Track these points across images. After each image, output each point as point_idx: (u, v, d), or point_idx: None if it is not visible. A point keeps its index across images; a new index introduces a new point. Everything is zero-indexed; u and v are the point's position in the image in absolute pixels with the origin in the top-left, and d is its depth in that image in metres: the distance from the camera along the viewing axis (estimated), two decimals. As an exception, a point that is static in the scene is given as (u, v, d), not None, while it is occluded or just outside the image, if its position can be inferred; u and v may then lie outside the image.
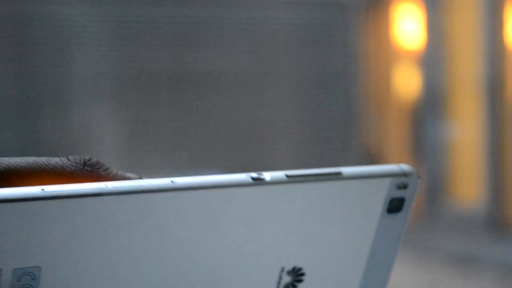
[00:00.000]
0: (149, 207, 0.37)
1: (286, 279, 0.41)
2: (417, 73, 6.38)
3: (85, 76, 6.91)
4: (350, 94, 7.22)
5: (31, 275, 0.36)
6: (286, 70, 7.22)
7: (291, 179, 0.40)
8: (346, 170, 0.42)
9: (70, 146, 6.57)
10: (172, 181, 0.38)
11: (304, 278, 0.41)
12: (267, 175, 0.39)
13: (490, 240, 5.23)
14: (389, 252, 0.44)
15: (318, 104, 7.25)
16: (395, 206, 0.43)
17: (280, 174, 0.40)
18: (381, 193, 0.42)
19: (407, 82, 6.55)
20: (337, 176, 0.41)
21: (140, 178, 0.41)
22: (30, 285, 0.36)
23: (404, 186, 0.43)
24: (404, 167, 0.43)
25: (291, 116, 7.20)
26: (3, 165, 0.40)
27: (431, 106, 6.06)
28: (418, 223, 6.14)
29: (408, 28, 6.51)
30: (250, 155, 6.92)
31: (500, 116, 5.33)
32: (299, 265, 0.41)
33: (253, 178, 0.39)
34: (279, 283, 0.41)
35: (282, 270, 0.41)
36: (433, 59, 6.04)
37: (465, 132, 5.72)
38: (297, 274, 0.41)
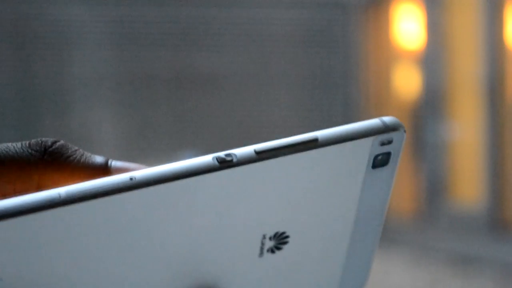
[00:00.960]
0: (109, 210, 0.35)
1: (269, 244, 0.39)
2: (417, 73, 6.37)
3: (85, 76, 6.91)
4: (350, 94, 7.22)
5: None
6: (286, 70, 7.22)
7: (261, 156, 0.37)
8: (322, 135, 0.39)
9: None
10: (131, 178, 0.35)
11: (289, 240, 0.40)
12: (235, 155, 0.37)
13: (490, 240, 5.22)
14: (378, 206, 0.42)
15: (318, 104, 7.25)
16: (380, 161, 0.41)
17: (249, 151, 0.37)
18: (363, 153, 0.40)
19: (407, 82, 6.55)
20: (313, 144, 0.39)
21: (106, 161, 0.39)
22: None
23: (388, 142, 0.40)
24: (387, 121, 0.41)
25: (291, 116, 7.20)
26: None
27: (431, 106, 6.06)
28: (418, 223, 6.14)
29: (408, 28, 6.51)
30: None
31: (500, 116, 5.33)
32: (281, 230, 0.39)
33: (219, 161, 0.36)
34: (261, 249, 0.39)
35: (264, 237, 0.39)
36: (433, 59, 6.04)
37: (465, 132, 5.72)
38: (280, 238, 0.40)
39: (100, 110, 6.91)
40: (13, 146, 0.39)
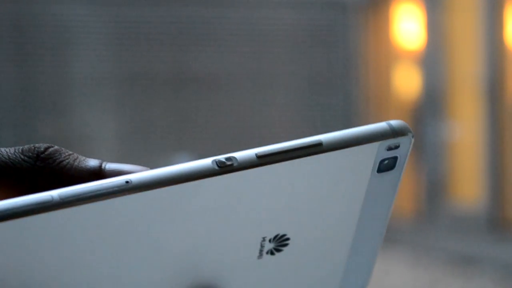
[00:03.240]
0: (103, 214, 0.34)
1: (269, 246, 0.39)
2: (417, 73, 6.37)
3: (85, 76, 6.91)
4: (350, 94, 7.22)
5: None
6: (286, 70, 7.22)
7: (263, 160, 0.36)
8: (327, 139, 0.38)
9: (70, 146, 6.57)
10: (127, 181, 0.34)
11: (289, 242, 0.39)
12: (236, 159, 0.36)
13: (490, 240, 5.22)
14: (382, 210, 0.41)
15: (318, 104, 7.25)
16: (386, 165, 0.40)
17: (250, 155, 0.36)
18: (369, 158, 0.39)
19: (407, 82, 6.55)
20: (317, 148, 0.38)
21: (100, 164, 0.39)
22: None
23: (395, 147, 0.39)
24: (395, 125, 0.39)
25: (291, 116, 7.20)
26: None
27: (431, 106, 6.06)
28: (418, 223, 6.14)
29: (408, 28, 6.51)
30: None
31: (500, 116, 5.33)
32: (282, 232, 0.39)
33: (219, 165, 0.36)
34: (261, 251, 0.39)
35: (264, 239, 0.39)
36: (433, 59, 6.04)
37: (465, 132, 5.72)
38: (280, 240, 0.39)
39: (99, 110, 6.91)
40: (6, 151, 0.38)
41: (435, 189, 5.94)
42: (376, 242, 0.42)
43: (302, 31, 7.21)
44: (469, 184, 5.73)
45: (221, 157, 0.36)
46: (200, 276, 0.38)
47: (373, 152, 0.39)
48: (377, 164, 0.39)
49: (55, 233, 0.34)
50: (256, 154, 0.36)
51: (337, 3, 7.21)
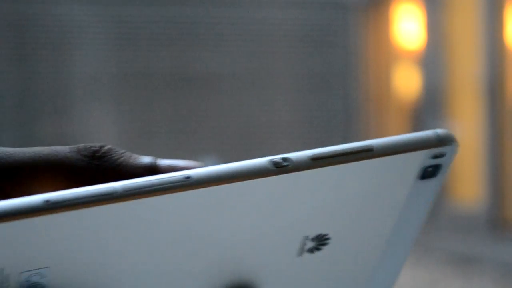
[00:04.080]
0: (162, 208, 0.36)
1: (310, 244, 0.40)
2: (417, 73, 6.37)
3: (85, 75, 6.91)
4: (350, 94, 7.22)
5: (40, 275, 0.35)
6: (286, 70, 7.22)
7: (316, 163, 0.37)
8: (377, 144, 0.39)
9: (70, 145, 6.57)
10: (187, 177, 0.36)
11: (329, 241, 0.40)
12: (291, 160, 0.37)
13: (490, 240, 5.22)
14: (417, 215, 0.43)
15: (318, 104, 7.25)
16: (429, 173, 0.41)
17: (304, 156, 0.37)
18: (414, 165, 0.40)
19: (407, 82, 6.55)
20: (368, 153, 0.39)
21: (154, 161, 0.40)
22: (39, 282, 0.35)
23: (441, 155, 0.40)
24: (441, 134, 0.40)
25: (291, 116, 7.20)
26: (8, 160, 0.38)
27: (431, 106, 6.06)
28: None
29: (408, 28, 6.51)
30: (250, 155, 6.92)
31: (500, 116, 5.33)
32: (324, 232, 0.40)
33: (276, 165, 0.37)
34: (301, 249, 0.40)
35: (306, 238, 0.40)
36: (433, 59, 6.04)
37: (465, 132, 5.72)
38: (321, 239, 0.40)
39: (100, 110, 6.92)
40: (62, 150, 0.39)
41: (435, 189, 5.94)
42: (407, 247, 0.44)
43: (302, 31, 7.21)
44: (469, 184, 5.74)
45: (277, 158, 0.37)
46: (238, 272, 0.39)
47: (419, 159, 0.40)
48: (421, 171, 0.41)
49: (114, 224, 0.35)
50: (310, 156, 0.37)
51: (337, 3, 7.21)
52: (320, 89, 7.26)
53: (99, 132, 6.85)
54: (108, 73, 6.95)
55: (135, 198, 0.35)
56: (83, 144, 0.39)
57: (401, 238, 0.43)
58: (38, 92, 6.87)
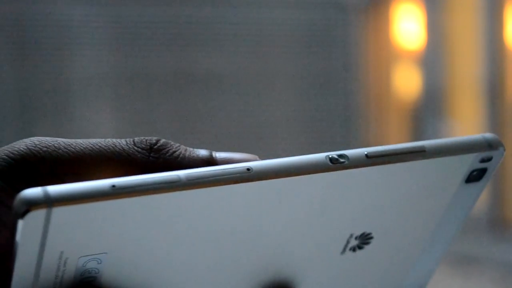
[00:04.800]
0: (222, 198, 0.36)
1: (354, 242, 0.41)
2: (417, 73, 6.37)
3: (85, 76, 6.91)
4: (350, 94, 7.22)
5: (97, 260, 0.36)
6: (286, 70, 7.22)
7: (371, 161, 0.38)
8: (429, 145, 0.40)
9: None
10: (248, 169, 0.36)
11: (372, 241, 0.41)
12: (347, 157, 0.37)
13: (490, 240, 5.22)
14: (459, 218, 0.43)
15: (318, 104, 7.25)
16: (475, 176, 0.42)
17: (360, 154, 0.38)
18: (463, 167, 0.41)
19: (407, 82, 6.55)
20: (421, 154, 0.39)
21: (211, 154, 0.40)
22: (95, 268, 0.36)
23: (488, 159, 0.41)
24: (490, 138, 0.41)
25: (291, 116, 7.20)
26: (67, 152, 0.39)
27: (431, 106, 6.06)
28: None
29: (408, 28, 6.51)
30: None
31: (500, 116, 5.33)
32: (368, 231, 0.41)
33: (332, 162, 0.37)
34: (345, 246, 0.41)
35: (351, 236, 0.40)
36: (433, 59, 6.04)
37: (465, 132, 5.71)
38: (365, 238, 0.41)
39: (100, 110, 6.92)
40: (118, 142, 0.40)
41: (435, 189, 5.94)
42: (444, 247, 0.45)
43: (302, 31, 7.21)
44: (469, 184, 5.73)
45: (334, 154, 0.37)
46: (282, 266, 0.39)
47: (467, 162, 0.41)
48: (467, 174, 0.41)
49: (175, 213, 0.36)
50: (366, 154, 0.38)
51: (337, 3, 7.21)
52: (320, 89, 7.25)
53: (99, 132, 6.85)
54: (108, 73, 6.95)
55: (197, 187, 0.35)
56: (138, 138, 0.40)
57: (440, 238, 0.44)
58: (38, 92, 6.87)
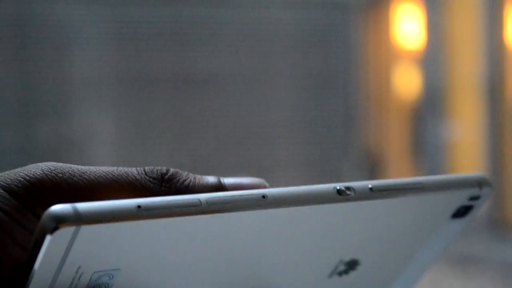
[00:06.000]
0: (236, 224, 0.37)
1: (341, 267, 0.42)
2: (417, 73, 6.37)
3: (84, 76, 6.91)
4: (350, 94, 7.22)
5: (109, 276, 0.36)
6: (286, 70, 7.22)
7: (375, 194, 0.39)
8: (426, 181, 0.41)
9: (70, 146, 6.58)
10: (263, 196, 0.37)
11: (358, 267, 0.42)
12: (354, 189, 0.39)
13: (490, 240, 5.22)
14: (437, 251, 0.45)
15: (318, 104, 7.25)
16: (461, 213, 0.43)
17: (365, 187, 0.39)
18: (453, 204, 0.43)
19: (407, 82, 6.55)
20: (419, 189, 0.41)
21: (219, 180, 0.41)
22: (106, 283, 0.37)
23: (476, 198, 0.43)
24: (481, 178, 0.43)
25: (291, 116, 7.20)
26: (82, 180, 0.39)
27: (431, 106, 6.06)
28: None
29: (408, 28, 6.51)
30: (249, 155, 6.93)
31: (500, 116, 5.33)
32: (356, 257, 0.42)
33: (340, 193, 0.38)
34: (333, 271, 0.42)
35: (340, 261, 0.41)
36: (433, 59, 6.04)
37: (465, 132, 5.72)
38: (352, 264, 0.42)
39: (99, 110, 6.92)
40: (131, 171, 0.40)
41: (435, 189, 5.94)
42: (418, 276, 0.47)
43: (302, 31, 7.21)
44: (469, 184, 5.73)
45: (342, 186, 0.39)
46: (274, 285, 0.41)
47: (457, 199, 0.43)
48: (455, 210, 0.43)
49: (192, 235, 0.37)
50: (370, 188, 0.39)
51: (337, 3, 7.21)
52: (320, 89, 7.26)
53: (99, 132, 6.85)
54: (108, 73, 6.95)
55: (216, 212, 0.36)
56: (149, 168, 0.41)
57: (416, 268, 0.46)
58: (37, 92, 6.87)
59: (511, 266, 4.69)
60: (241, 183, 0.41)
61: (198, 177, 0.41)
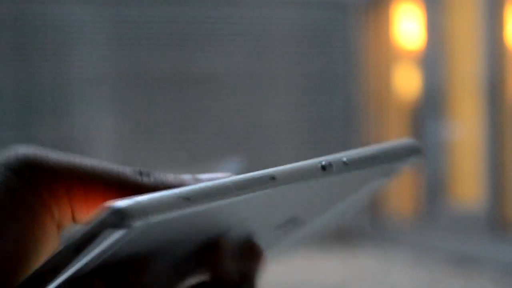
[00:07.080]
0: (250, 204, 0.38)
1: (289, 225, 0.44)
2: (417, 73, 6.37)
3: (84, 75, 6.91)
4: (350, 94, 7.22)
5: None
6: (286, 70, 7.22)
7: (350, 167, 0.41)
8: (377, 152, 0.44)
9: (70, 145, 6.57)
10: (272, 177, 0.38)
11: (299, 225, 0.45)
12: (331, 164, 0.40)
13: (490, 240, 5.22)
14: (358, 203, 0.47)
15: (318, 104, 7.25)
16: (389, 174, 0.46)
17: (339, 160, 0.41)
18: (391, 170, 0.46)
19: (407, 82, 6.55)
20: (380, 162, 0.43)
21: (196, 177, 0.42)
22: None
23: (407, 164, 0.45)
24: (414, 146, 0.46)
25: (291, 116, 7.20)
26: (88, 175, 0.41)
27: (431, 106, 6.06)
28: (418, 223, 6.14)
29: (408, 28, 6.51)
30: (249, 155, 6.92)
31: (500, 116, 5.33)
32: (302, 216, 0.44)
33: (323, 168, 0.40)
34: (279, 226, 0.44)
35: (289, 220, 0.44)
36: (433, 59, 6.04)
37: (465, 132, 5.72)
38: (296, 222, 0.44)
39: (99, 110, 6.92)
40: (122, 170, 0.42)
41: (435, 189, 5.95)
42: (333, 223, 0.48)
43: (302, 31, 7.21)
44: (469, 184, 5.74)
45: (323, 161, 0.40)
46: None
47: (396, 167, 0.45)
48: (387, 175, 0.46)
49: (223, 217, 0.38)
50: (343, 161, 0.41)
51: (337, 3, 7.21)
52: (320, 89, 7.26)
53: (99, 131, 6.85)
54: (108, 73, 6.95)
55: (244, 194, 0.38)
56: (133, 167, 0.42)
57: (333, 215, 0.47)
58: (38, 92, 6.87)
59: (511, 266, 4.69)
60: (217, 177, 0.42)
61: (172, 176, 0.42)
